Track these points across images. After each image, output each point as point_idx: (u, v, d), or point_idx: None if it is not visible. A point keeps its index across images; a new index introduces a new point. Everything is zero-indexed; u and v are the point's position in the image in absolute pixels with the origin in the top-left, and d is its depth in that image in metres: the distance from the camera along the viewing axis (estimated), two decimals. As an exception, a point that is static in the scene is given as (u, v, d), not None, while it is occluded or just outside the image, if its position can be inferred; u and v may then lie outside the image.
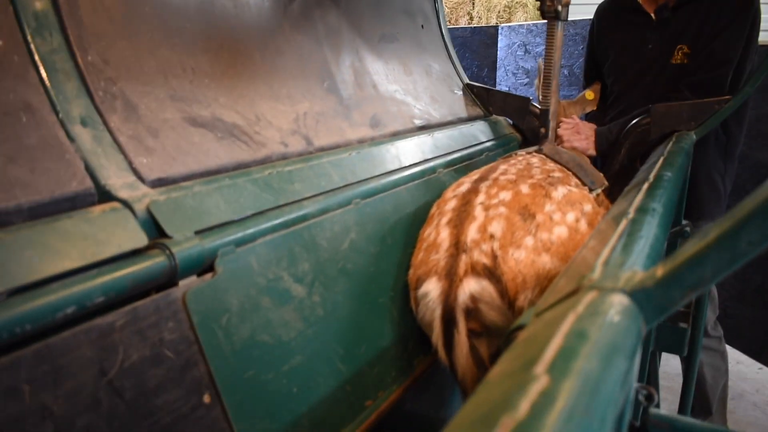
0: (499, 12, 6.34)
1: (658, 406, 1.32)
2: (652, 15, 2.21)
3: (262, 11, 1.48)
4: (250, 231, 1.03)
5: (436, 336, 1.23)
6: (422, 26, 2.21)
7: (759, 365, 3.36)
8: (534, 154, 1.67)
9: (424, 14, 2.25)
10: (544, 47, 1.86)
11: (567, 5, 1.64)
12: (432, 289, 1.22)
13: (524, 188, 1.31)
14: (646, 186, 1.08)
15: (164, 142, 1.08)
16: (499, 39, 4.85)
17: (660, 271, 0.56)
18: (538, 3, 1.66)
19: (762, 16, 2.13)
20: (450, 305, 1.20)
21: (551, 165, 1.55)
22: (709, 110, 2.00)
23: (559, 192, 1.32)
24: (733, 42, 2.04)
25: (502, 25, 4.94)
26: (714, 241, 0.52)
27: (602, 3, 2.46)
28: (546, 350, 0.45)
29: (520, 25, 4.81)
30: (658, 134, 2.04)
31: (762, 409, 3.30)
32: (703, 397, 2.58)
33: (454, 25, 6.29)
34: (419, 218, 1.45)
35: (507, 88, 4.79)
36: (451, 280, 1.21)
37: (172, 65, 1.20)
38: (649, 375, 2.17)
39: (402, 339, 1.35)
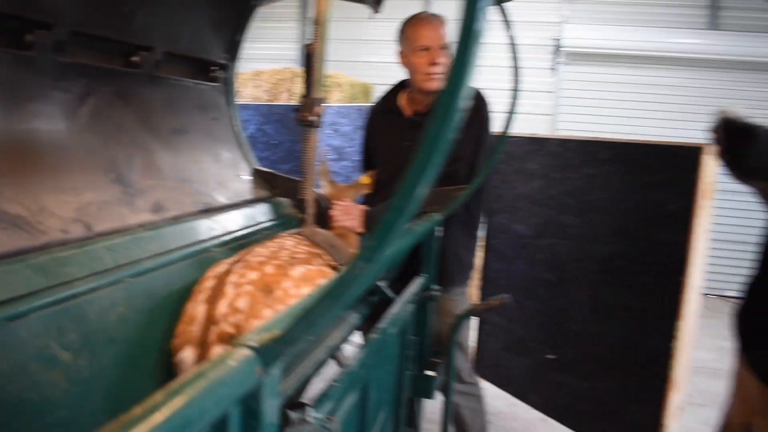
0: (317, 90, 6.82)
1: None
2: (409, 117, 2.68)
3: (52, 115, 1.72)
4: (23, 308, 1.26)
5: None
6: (213, 119, 2.52)
7: (528, 406, 3.87)
8: (293, 236, 2.01)
9: (216, 108, 2.57)
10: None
11: (320, 116, 2.01)
12: (187, 356, 1.50)
13: (269, 269, 1.64)
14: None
15: (-51, 234, 1.29)
16: (311, 118, 5.26)
17: (277, 332, 0.89)
18: (297, 114, 2.02)
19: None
20: None
21: (303, 247, 1.89)
22: (450, 196, 2.46)
23: (298, 271, 1.66)
24: (465, 143, 2.54)
25: (314, 105, 5.38)
26: (300, 315, 0.85)
27: (374, 104, 2.92)
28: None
29: (329, 106, 5.29)
30: (411, 216, 2.47)
31: (531, 445, 3.82)
32: (463, 434, 3.01)
33: (274, 101, 6.67)
34: (189, 293, 1.73)
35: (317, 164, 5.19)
36: (203, 348, 1.49)
37: (-39, 165, 1.42)
38: (410, 418, 2.53)
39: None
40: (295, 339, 0.86)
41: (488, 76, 7.90)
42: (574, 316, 3.45)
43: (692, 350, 5.65)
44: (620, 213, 3.13)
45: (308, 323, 0.84)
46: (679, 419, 3.12)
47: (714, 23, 7.77)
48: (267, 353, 0.87)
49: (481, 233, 4.06)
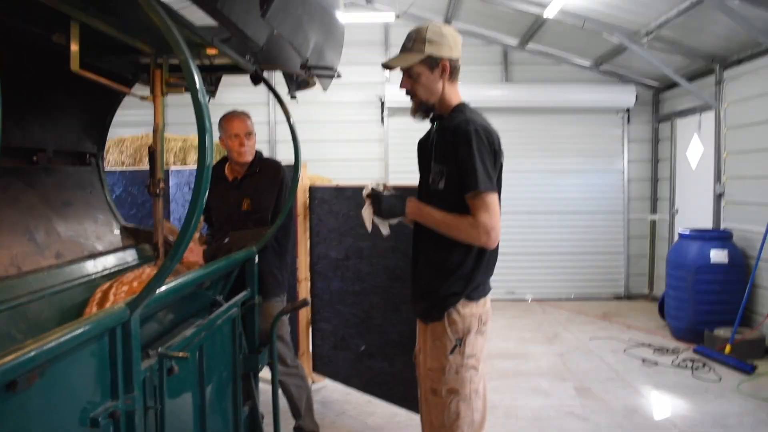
0: (175, 153, 7.87)
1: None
2: (231, 181, 3.88)
3: (-13, 201, 2.75)
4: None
5: None
6: (90, 192, 3.59)
7: (359, 393, 5.06)
8: (151, 267, 3.11)
9: (91, 184, 3.63)
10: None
11: (162, 189, 3.13)
12: None
13: (135, 284, 2.74)
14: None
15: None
16: (170, 179, 6.33)
17: (132, 298, 2.02)
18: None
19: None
20: None
21: (156, 271, 3.00)
22: (261, 234, 3.65)
23: (152, 283, 2.78)
24: (270, 196, 3.76)
25: (172, 168, 6.46)
26: (141, 291, 2.00)
27: (209, 171, 4.09)
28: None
29: (185, 169, 6.41)
30: (236, 249, 3.62)
31: (355, 419, 5.00)
32: (293, 405, 4.16)
33: (137, 165, 7.64)
34: (86, 302, 2.79)
35: (179, 217, 6.24)
36: None
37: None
38: (246, 391, 3.64)
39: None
40: (142, 300, 2.00)
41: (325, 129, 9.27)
42: (375, 315, 4.72)
43: (497, 341, 7.16)
44: (396, 236, 4.42)
45: (145, 294, 1.99)
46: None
47: (506, 77, 9.56)
48: (131, 304, 1.99)
49: (307, 260, 5.29)
